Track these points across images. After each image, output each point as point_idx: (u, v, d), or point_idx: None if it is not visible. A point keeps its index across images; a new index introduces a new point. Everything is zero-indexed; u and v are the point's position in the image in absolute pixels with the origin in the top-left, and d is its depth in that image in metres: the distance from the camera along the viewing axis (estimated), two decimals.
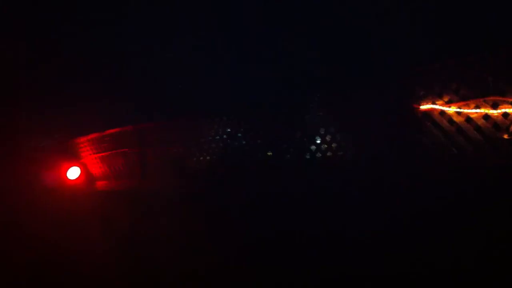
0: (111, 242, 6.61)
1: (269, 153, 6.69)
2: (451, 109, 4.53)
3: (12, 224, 6.88)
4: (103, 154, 9.06)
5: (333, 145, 5.92)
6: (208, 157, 7.61)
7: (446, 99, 4.62)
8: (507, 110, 4.13)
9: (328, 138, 5.98)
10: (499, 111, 4.18)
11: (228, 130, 7.27)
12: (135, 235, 6.76)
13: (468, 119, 4.44)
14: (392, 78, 5.24)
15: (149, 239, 6.60)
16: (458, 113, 4.49)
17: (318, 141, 6.09)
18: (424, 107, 4.73)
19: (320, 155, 6.07)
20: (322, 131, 6.01)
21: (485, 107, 4.30)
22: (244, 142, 6.95)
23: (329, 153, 5.96)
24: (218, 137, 7.36)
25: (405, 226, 4.59)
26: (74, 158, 8.98)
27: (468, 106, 4.42)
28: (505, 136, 4.05)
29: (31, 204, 7.32)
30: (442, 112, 4.65)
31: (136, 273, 6.02)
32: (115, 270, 5.97)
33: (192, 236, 6.42)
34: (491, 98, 4.24)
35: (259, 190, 6.55)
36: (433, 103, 4.67)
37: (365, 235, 4.83)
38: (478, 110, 4.33)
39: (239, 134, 7.04)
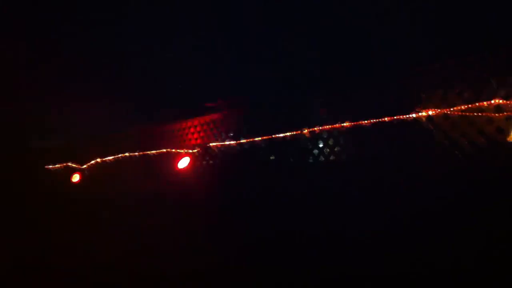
0: None
1: (272, 157, 6.70)
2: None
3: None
4: None
5: (336, 148, 5.94)
6: (208, 157, 7.63)
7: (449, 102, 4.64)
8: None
9: (328, 139, 6.00)
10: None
11: (229, 130, 7.30)
12: None
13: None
14: (392, 78, 5.25)
15: None
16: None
17: (320, 142, 6.11)
18: (429, 110, 4.74)
19: (322, 156, 6.08)
20: (323, 133, 6.02)
21: (489, 110, 4.30)
22: (245, 142, 6.95)
23: (332, 157, 5.98)
24: (219, 137, 7.38)
25: (405, 226, 4.60)
26: None
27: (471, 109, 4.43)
28: (509, 139, 4.06)
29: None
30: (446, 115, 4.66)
31: None
32: None
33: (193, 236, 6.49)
34: (495, 101, 4.25)
35: (259, 190, 6.57)
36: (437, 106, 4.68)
37: (365, 235, 4.85)
38: (481, 114, 4.33)
39: (241, 134, 7.05)
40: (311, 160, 6.25)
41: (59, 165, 10.18)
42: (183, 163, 7.69)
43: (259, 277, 5.29)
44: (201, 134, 7.76)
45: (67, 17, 8.92)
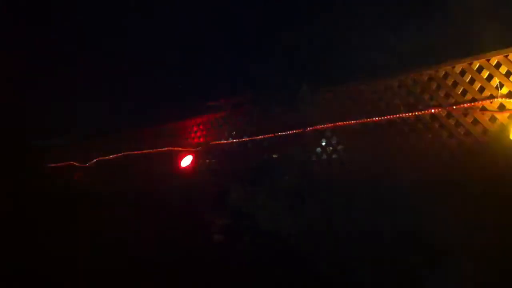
0: None
1: (274, 155, 6.75)
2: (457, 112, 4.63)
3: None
4: None
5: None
6: (210, 156, 7.66)
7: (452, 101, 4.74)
8: None
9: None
10: (505, 113, 4.28)
11: (232, 128, 7.33)
12: None
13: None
14: None
15: None
16: (465, 115, 4.60)
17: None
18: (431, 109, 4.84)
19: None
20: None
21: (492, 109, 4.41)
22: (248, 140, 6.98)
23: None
24: (221, 137, 7.41)
25: None
26: None
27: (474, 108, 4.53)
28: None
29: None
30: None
31: None
32: None
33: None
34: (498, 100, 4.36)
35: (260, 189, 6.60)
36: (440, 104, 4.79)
37: None
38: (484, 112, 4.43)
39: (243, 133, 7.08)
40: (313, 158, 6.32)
41: (59, 163, 10.22)
42: (186, 161, 7.72)
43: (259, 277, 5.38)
44: (204, 132, 7.78)
45: (67, 17, 8.94)
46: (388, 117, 5.23)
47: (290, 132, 6.35)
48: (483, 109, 4.45)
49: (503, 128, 4.27)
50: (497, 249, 3.99)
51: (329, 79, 6.46)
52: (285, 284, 5.29)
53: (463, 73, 4.67)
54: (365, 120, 5.48)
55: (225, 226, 6.66)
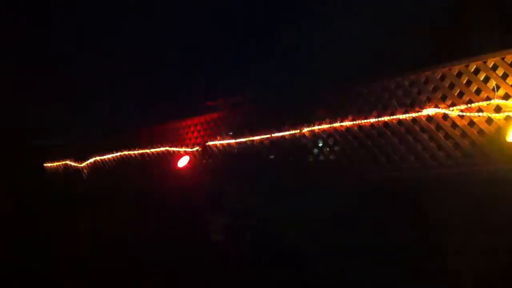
0: None
1: (271, 156, 6.76)
2: (454, 113, 4.65)
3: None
4: None
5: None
6: (208, 156, 7.67)
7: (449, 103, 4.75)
8: (510, 114, 4.24)
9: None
10: (502, 114, 4.30)
11: (229, 129, 7.35)
12: None
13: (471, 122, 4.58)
14: None
15: None
16: (461, 117, 4.62)
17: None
18: (427, 111, 4.85)
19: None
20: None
21: (488, 110, 4.43)
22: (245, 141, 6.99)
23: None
24: (219, 135, 7.41)
25: None
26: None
27: (471, 110, 4.55)
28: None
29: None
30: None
31: None
32: None
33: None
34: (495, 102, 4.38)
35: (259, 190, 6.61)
36: (436, 106, 4.80)
37: None
38: (481, 114, 4.45)
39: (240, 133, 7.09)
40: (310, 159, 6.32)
41: (58, 163, 10.26)
42: (183, 161, 7.73)
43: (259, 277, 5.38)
44: (201, 133, 7.79)
45: (67, 17, 8.94)
46: (386, 118, 5.26)
47: (288, 132, 6.36)
48: (480, 110, 4.48)
49: (500, 130, 4.30)
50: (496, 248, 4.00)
51: (329, 79, 6.47)
52: (285, 284, 5.29)
53: (459, 75, 4.70)
54: (362, 121, 5.50)
55: (224, 226, 6.66)
